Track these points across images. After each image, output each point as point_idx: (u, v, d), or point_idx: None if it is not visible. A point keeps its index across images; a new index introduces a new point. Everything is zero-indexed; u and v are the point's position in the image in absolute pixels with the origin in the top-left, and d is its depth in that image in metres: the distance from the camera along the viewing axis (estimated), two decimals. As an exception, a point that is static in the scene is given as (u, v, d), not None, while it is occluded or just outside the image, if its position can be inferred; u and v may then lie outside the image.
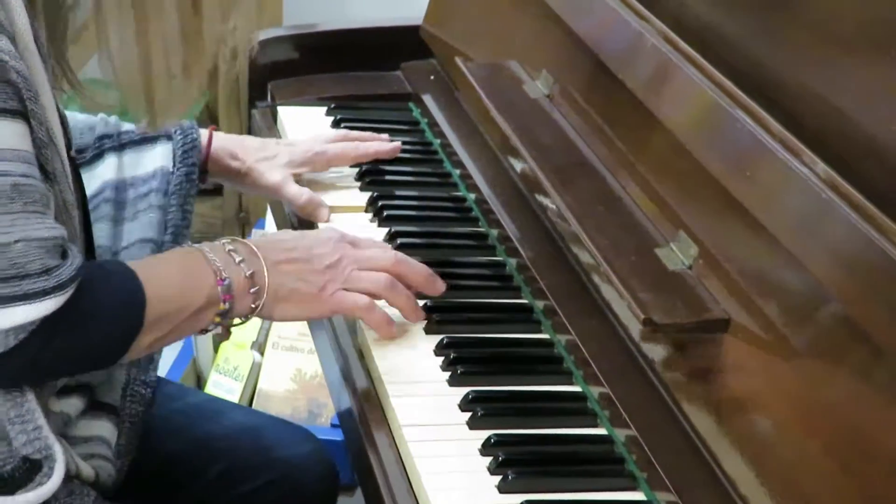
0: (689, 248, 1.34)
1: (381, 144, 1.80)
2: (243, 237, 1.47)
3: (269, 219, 2.63)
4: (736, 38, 1.42)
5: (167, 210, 1.63)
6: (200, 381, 2.60)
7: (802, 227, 1.20)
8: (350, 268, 1.46)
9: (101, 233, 1.57)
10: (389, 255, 1.49)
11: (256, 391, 2.53)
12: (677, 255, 1.36)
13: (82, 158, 1.62)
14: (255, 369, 2.54)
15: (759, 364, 1.22)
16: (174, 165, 1.65)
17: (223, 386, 2.52)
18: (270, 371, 2.54)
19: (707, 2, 1.50)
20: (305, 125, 1.95)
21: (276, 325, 2.57)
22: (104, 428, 1.44)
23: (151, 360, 1.53)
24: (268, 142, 1.77)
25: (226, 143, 1.73)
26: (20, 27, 1.26)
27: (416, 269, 1.50)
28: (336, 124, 1.95)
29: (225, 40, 1.41)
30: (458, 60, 1.82)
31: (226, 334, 2.60)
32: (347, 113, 1.98)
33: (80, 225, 1.39)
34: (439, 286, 1.51)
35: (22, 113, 1.24)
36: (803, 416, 1.16)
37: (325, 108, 2.00)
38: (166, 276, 1.36)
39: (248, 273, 1.40)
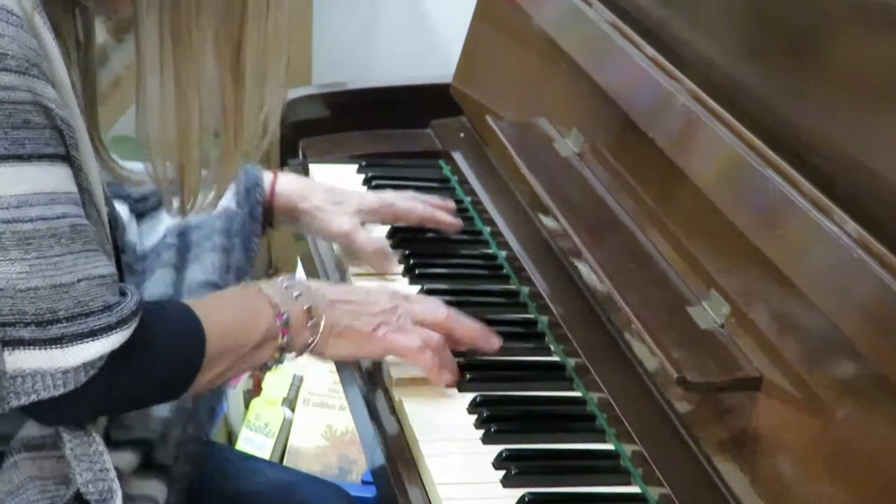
0: (721, 306, 1.35)
1: (445, 215, 1.79)
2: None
3: (300, 273, 2.64)
4: (765, 96, 1.43)
5: (230, 251, 1.65)
6: (231, 438, 2.60)
7: (834, 285, 1.20)
8: (404, 318, 1.48)
9: (163, 279, 1.60)
10: (442, 310, 1.51)
11: (287, 447, 2.53)
12: (709, 313, 1.36)
13: (143, 207, 1.65)
14: (286, 426, 2.54)
15: (792, 422, 1.22)
16: (238, 203, 1.67)
17: (254, 442, 2.52)
18: (301, 427, 2.54)
19: (736, 60, 1.51)
20: (337, 183, 1.96)
21: (307, 381, 2.57)
22: (155, 488, 1.45)
23: (212, 414, 1.55)
24: (335, 188, 1.78)
25: (294, 184, 1.75)
26: (61, 77, 1.28)
27: (468, 325, 1.52)
28: (367, 182, 1.96)
29: (259, 112, 1.42)
30: (489, 118, 1.83)
31: (256, 390, 2.60)
32: (378, 170, 1.99)
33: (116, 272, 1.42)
34: (494, 342, 1.53)
35: (67, 158, 1.28)
36: (837, 474, 1.16)
37: (356, 166, 2.01)
38: (224, 312, 1.39)
39: (305, 307, 1.42)
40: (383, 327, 1.47)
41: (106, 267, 1.29)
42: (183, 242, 1.65)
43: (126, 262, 1.60)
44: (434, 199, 1.82)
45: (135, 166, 1.55)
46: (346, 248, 1.76)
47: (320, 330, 1.44)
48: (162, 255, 1.63)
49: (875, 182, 1.25)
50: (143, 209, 1.66)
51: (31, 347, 1.24)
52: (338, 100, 2.16)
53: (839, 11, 1.34)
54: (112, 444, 1.42)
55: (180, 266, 1.63)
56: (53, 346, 1.25)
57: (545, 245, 1.71)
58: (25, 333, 1.24)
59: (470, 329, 1.52)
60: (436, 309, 1.51)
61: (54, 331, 1.24)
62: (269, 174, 1.74)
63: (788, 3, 1.42)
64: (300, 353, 1.45)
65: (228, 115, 1.38)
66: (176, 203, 1.46)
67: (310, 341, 1.44)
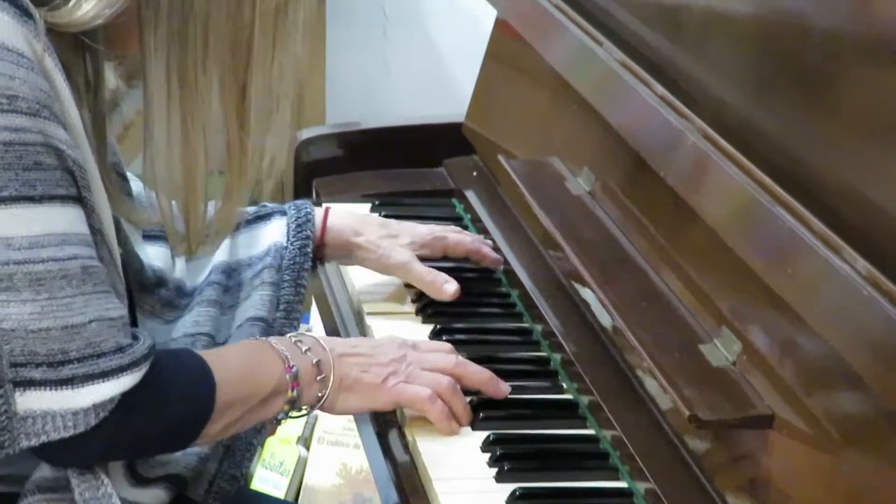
0: (733, 343, 1.35)
1: (490, 251, 1.82)
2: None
3: (314, 313, 2.65)
4: (776, 135, 1.44)
5: (280, 286, 1.66)
6: (247, 477, 2.61)
7: (844, 323, 1.20)
8: (413, 365, 1.48)
9: (204, 317, 1.60)
10: (451, 358, 1.52)
11: (302, 486, 2.54)
12: (721, 350, 1.37)
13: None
14: (301, 464, 2.55)
15: (805, 460, 1.22)
16: (288, 240, 1.69)
17: (269, 481, 2.53)
18: (316, 466, 2.54)
19: (747, 99, 1.52)
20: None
21: (321, 420, 2.58)
22: None
23: (250, 450, 1.55)
24: (388, 221, 1.81)
25: (346, 219, 1.77)
26: (72, 119, 1.29)
27: (476, 373, 1.52)
28: (381, 221, 1.97)
29: (263, 153, 1.43)
30: (501, 158, 1.84)
31: (272, 430, 2.61)
32: (392, 209, 2.00)
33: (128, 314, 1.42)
34: (503, 388, 1.53)
35: (80, 199, 1.29)
36: (850, 511, 1.17)
37: (369, 205, 2.02)
38: (235, 363, 1.40)
39: (314, 361, 1.43)
40: (392, 378, 1.47)
41: (117, 309, 1.30)
42: (234, 281, 1.66)
43: (165, 298, 1.62)
44: (476, 235, 1.85)
45: (139, 193, 1.57)
46: (403, 278, 1.77)
47: (329, 384, 1.44)
48: (203, 292, 1.64)
49: (884, 220, 1.25)
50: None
51: (43, 388, 1.25)
52: (351, 139, 2.17)
53: (849, 50, 1.35)
54: (141, 481, 1.42)
55: (227, 304, 1.64)
56: (64, 387, 1.25)
57: (557, 283, 1.72)
58: (37, 374, 1.24)
59: (478, 377, 1.52)
60: (445, 357, 1.52)
61: (66, 371, 1.25)
62: (321, 209, 1.76)
63: (798, 42, 1.43)
64: (311, 408, 1.46)
65: (233, 155, 1.40)
66: (182, 244, 1.47)
67: (319, 395, 1.44)
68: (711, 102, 1.56)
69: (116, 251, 1.38)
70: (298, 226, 1.70)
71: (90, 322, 1.26)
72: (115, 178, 1.51)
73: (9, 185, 1.22)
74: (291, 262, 1.67)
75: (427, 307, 1.74)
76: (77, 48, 1.36)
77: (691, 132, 1.53)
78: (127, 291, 1.44)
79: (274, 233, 1.70)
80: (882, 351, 1.16)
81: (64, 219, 1.26)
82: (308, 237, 1.70)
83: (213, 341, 1.59)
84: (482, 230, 1.93)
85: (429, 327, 1.69)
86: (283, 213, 1.72)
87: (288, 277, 1.67)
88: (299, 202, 1.75)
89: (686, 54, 1.65)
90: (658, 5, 1.73)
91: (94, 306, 1.27)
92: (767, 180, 1.39)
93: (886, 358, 1.15)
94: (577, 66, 1.83)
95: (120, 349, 1.28)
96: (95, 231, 1.32)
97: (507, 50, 2.10)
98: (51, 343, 1.24)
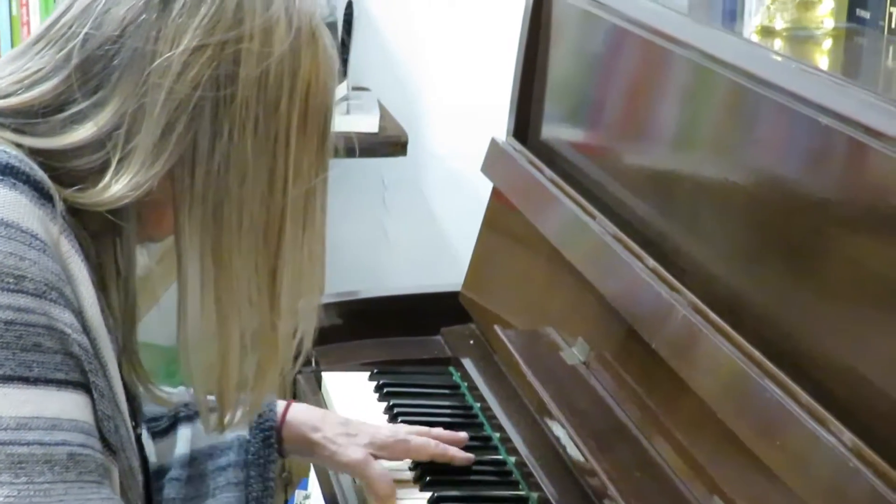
0: (725, 514, 1.38)
1: (457, 451, 1.78)
2: (286, 498, 1.48)
3: (313, 478, 2.66)
4: (764, 308, 1.47)
5: (247, 483, 1.64)
6: None
7: (831, 493, 1.23)
8: None
9: None
10: None
11: None
12: (713, 520, 1.39)
13: (156, 427, 1.65)
14: None
15: None
16: (251, 432, 1.67)
17: None
18: None
19: (736, 273, 1.55)
20: (349, 390, 2.00)
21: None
22: None
23: None
24: (350, 420, 1.77)
25: (306, 414, 1.74)
26: (87, 302, 1.28)
27: None
28: (378, 389, 2.00)
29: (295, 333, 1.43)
30: (497, 327, 1.88)
31: None
32: (390, 377, 2.03)
33: (142, 489, 1.42)
34: None
35: (84, 385, 1.26)
36: None
37: (367, 374, 2.05)
38: None
39: None
40: None
41: (103, 500, 1.25)
42: (196, 471, 1.65)
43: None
44: (447, 433, 1.81)
45: (176, 390, 1.57)
46: (358, 478, 1.74)
47: None
48: (166, 488, 1.61)
49: (869, 393, 1.28)
50: (157, 428, 1.66)
51: None
52: (350, 308, 2.20)
53: (836, 225, 1.38)
54: None
55: (190, 496, 1.62)
56: None
57: (553, 451, 1.74)
58: None
59: None
60: None
61: None
62: (283, 402, 1.74)
63: (787, 217, 1.46)
64: None
65: (265, 337, 1.39)
66: (213, 421, 1.46)
67: None
68: (701, 275, 1.60)
69: (132, 433, 1.37)
70: (260, 415, 1.68)
71: None
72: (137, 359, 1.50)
73: (4, 364, 1.20)
74: (256, 455, 1.66)
75: (425, 474, 1.75)
76: (107, 229, 1.36)
77: (682, 305, 1.56)
78: (143, 465, 1.43)
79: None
80: (868, 522, 1.18)
81: (58, 403, 1.23)
82: (271, 428, 1.68)
83: None
84: (478, 398, 1.95)
85: (427, 494, 1.71)
86: None
87: (254, 473, 1.66)
88: None
89: (677, 228, 1.69)
90: (650, 180, 1.78)
91: (75, 495, 1.23)
92: (756, 353, 1.42)
93: (872, 529, 1.17)
94: (571, 238, 1.87)
95: None
96: (109, 416, 1.29)
97: (503, 220, 2.14)
98: None
